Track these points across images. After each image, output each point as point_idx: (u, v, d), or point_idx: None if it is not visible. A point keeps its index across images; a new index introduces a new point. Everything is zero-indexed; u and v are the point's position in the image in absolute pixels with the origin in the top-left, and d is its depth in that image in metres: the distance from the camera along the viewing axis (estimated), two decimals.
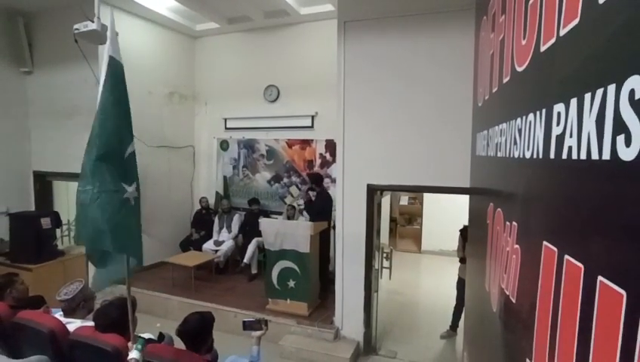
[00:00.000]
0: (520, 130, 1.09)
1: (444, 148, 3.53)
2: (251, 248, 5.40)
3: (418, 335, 4.49)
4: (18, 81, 5.84)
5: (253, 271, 5.45)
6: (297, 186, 5.84)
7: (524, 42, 1.06)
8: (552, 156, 0.83)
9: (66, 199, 6.42)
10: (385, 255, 4.27)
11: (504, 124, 1.32)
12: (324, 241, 4.68)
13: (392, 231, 8.15)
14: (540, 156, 0.91)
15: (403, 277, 6.07)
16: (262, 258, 5.32)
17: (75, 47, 4.23)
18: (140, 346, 1.95)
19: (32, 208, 5.98)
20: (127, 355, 1.94)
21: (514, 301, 1.10)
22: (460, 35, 3.31)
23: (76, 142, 5.28)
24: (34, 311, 2.63)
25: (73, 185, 5.92)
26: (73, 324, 2.53)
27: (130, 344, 2.05)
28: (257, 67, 6.06)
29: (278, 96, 5.93)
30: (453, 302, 4.30)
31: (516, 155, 1.13)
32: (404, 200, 8.40)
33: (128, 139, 1.97)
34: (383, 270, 4.26)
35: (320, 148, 5.64)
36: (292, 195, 5.87)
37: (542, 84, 0.94)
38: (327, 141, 5.53)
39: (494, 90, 1.56)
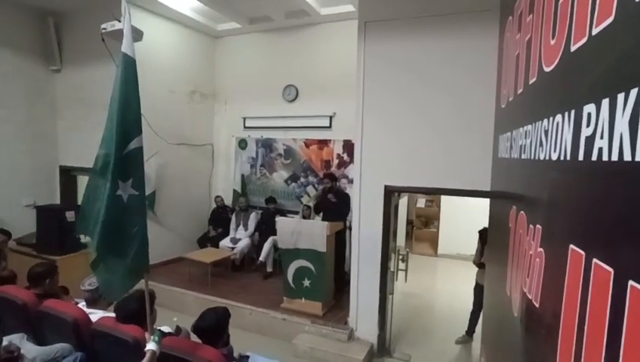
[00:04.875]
0: (546, 132, 1.07)
1: (463, 150, 3.49)
2: (267, 246, 5.44)
3: (433, 339, 4.44)
4: (47, 78, 6.05)
5: (269, 269, 5.49)
6: (314, 186, 5.86)
7: (553, 42, 1.04)
8: (580, 158, 0.81)
9: None
10: (401, 257, 4.23)
11: (529, 126, 1.30)
12: (339, 242, 4.68)
13: (409, 234, 8.08)
14: (568, 158, 0.89)
15: (419, 280, 6.01)
16: (277, 256, 5.36)
17: (101, 46, 4.36)
18: (157, 338, 1.99)
19: (58, 201, 6.18)
20: (146, 346, 1.98)
21: (537, 305, 1.07)
22: (481, 37, 3.26)
23: (99, 137, 5.44)
24: (59, 300, 2.72)
25: None
26: (95, 315, 2.61)
27: (148, 335, 2.10)
28: (277, 67, 6.11)
29: (296, 96, 5.96)
30: (470, 307, 4.23)
31: (542, 157, 1.11)
32: (421, 202, 8.32)
33: (134, 134, 1.94)
34: (399, 272, 4.22)
35: (337, 149, 5.64)
36: (309, 195, 5.88)
37: (571, 85, 0.92)
38: (344, 141, 5.53)
39: (519, 92, 1.53)
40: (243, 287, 5.07)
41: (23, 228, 5.52)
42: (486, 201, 3.08)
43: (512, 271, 1.53)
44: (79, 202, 6.08)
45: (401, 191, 4.01)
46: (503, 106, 2.15)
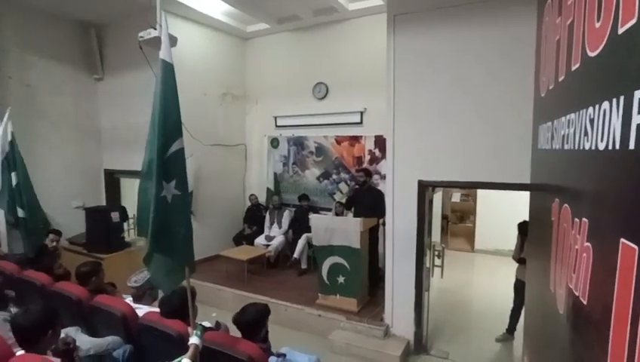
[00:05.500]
0: (592, 120, 1.02)
1: (500, 142, 3.36)
2: (301, 243, 5.50)
3: (471, 336, 4.33)
4: (91, 87, 6.42)
5: (303, 266, 5.55)
6: (346, 183, 5.86)
7: (598, 25, 0.99)
8: (631, 146, 0.77)
9: (131, 195, 6.95)
10: (436, 253, 4.16)
11: (572, 115, 1.24)
12: (373, 238, 4.65)
13: (444, 229, 7.89)
14: (617, 147, 0.84)
15: (455, 276, 5.87)
16: (311, 253, 5.41)
17: (139, 54, 4.57)
18: (199, 332, 2.07)
19: (103, 203, 6.55)
20: (189, 340, 2.07)
21: (585, 302, 1.03)
22: (517, 23, 3.13)
23: (140, 141, 5.70)
24: (109, 296, 2.89)
25: (137, 182, 6.41)
26: (141, 310, 2.74)
27: (190, 330, 2.18)
28: (306, 65, 6.14)
29: (326, 93, 5.97)
30: (510, 304, 4.09)
31: (587, 147, 1.06)
32: (456, 197, 8.12)
33: (174, 137, 1.99)
34: (435, 268, 4.15)
35: (369, 145, 5.60)
36: (341, 192, 5.89)
37: (619, 69, 0.87)
38: (376, 137, 5.48)
39: (561, 79, 1.46)
40: (278, 284, 5.16)
41: (74, 229, 5.90)
42: (525, 194, 2.96)
43: (555, 266, 1.46)
44: (123, 203, 6.48)
45: (435, 185, 3.93)
46: (542, 95, 2.05)
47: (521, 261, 3.90)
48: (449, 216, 8.05)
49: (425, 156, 3.74)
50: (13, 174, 3.91)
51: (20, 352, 1.90)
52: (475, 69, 3.44)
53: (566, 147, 1.33)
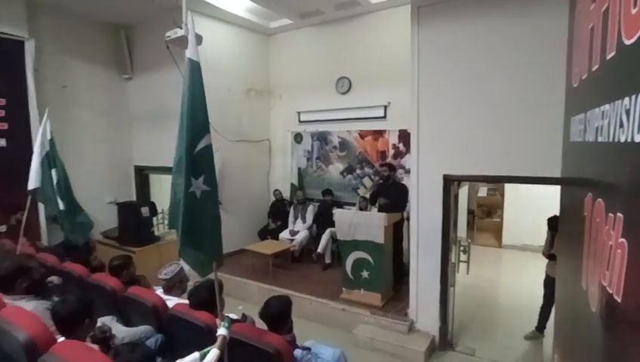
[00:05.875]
0: (628, 111, 0.97)
1: (529, 135, 3.26)
2: (325, 238, 5.53)
3: (498, 333, 4.25)
4: (121, 86, 6.65)
5: (327, 260, 5.58)
6: (370, 177, 5.83)
7: (634, 11, 0.94)
8: None
9: (160, 190, 7.18)
10: (462, 248, 4.09)
11: (607, 106, 1.18)
12: (397, 233, 4.62)
13: (470, 224, 7.73)
14: None
15: (482, 272, 5.76)
16: (335, 248, 5.43)
17: (166, 53, 4.69)
18: (227, 324, 2.13)
19: (134, 198, 6.79)
20: (217, 331, 2.13)
21: (619, 300, 0.99)
22: (546, 12, 3.02)
23: (167, 138, 5.87)
24: (141, 287, 3.01)
25: (166, 178, 6.61)
26: (171, 301, 2.84)
27: (218, 321, 2.25)
28: (329, 60, 6.12)
29: (350, 88, 5.94)
30: (539, 302, 3.98)
31: (622, 139, 1.01)
32: (482, 191, 7.93)
33: (202, 133, 2.03)
34: (460, 264, 4.08)
35: (393, 139, 5.55)
36: (365, 186, 5.86)
37: None
38: (400, 131, 5.42)
39: (594, 68, 1.40)
40: (303, 278, 5.22)
41: (107, 223, 6.17)
42: (554, 189, 2.87)
43: (588, 263, 1.42)
44: (152, 198, 6.70)
45: (460, 180, 3.86)
46: (574, 85, 1.97)
47: (551, 257, 3.78)
48: (475, 211, 7.88)
49: (450, 150, 3.67)
50: (53, 171, 4.11)
51: (60, 339, 2.01)
52: (502, 60, 3.35)
53: (600, 139, 1.28)
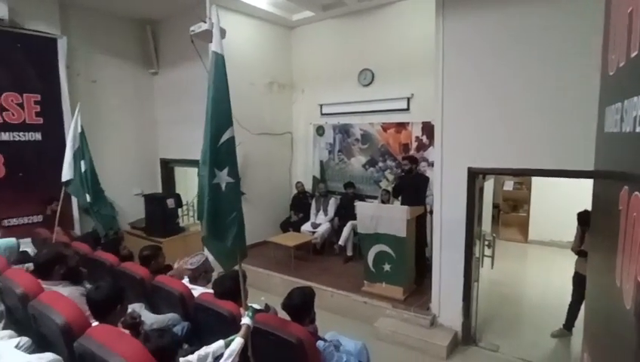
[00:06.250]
0: None
1: (559, 126, 3.14)
2: (346, 231, 5.53)
3: (524, 330, 4.16)
4: (147, 81, 6.82)
5: (349, 253, 5.59)
6: (392, 170, 5.77)
7: None
8: None
9: (184, 183, 7.35)
10: (487, 243, 4.01)
11: None
12: (420, 226, 4.57)
13: (495, 219, 7.57)
14: None
15: (507, 267, 5.63)
16: (357, 241, 5.43)
17: (191, 48, 4.77)
18: (250, 313, 2.17)
19: (159, 190, 6.99)
20: (241, 320, 2.18)
21: None
22: None
23: (190, 132, 6.00)
24: (168, 276, 3.11)
25: (191, 171, 6.77)
26: (196, 290, 2.92)
27: (242, 311, 2.29)
28: (351, 52, 6.07)
29: (372, 80, 5.88)
30: (567, 299, 3.87)
31: None
32: (508, 185, 7.72)
33: (226, 126, 2.06)
34: (484, 259, 4.00)
35: (416, 131, 5.46)
36: (387, 179, 5.82)
37: None
38: (423, 123, 5.33)
39: (633, 55, 1.33)
40: (324, 270, 5.24)
41: (134, 214, 6.38)
42: (584, 182, 2.76)
43: (623, 259, 1.36)
44: (177, 190, 6.87)
45: (486, 173, 3.77)
46: (611, 73, 1.88)
47: (580, 253, 3.66)
48: (500, 205, 7.69)
49: (475, 142, 3.59)
50: (82, 162, 4.28)
51: (94, 323, 2.11)
52: (531, 48, 3.23)
53: (638, 130, 1.22)
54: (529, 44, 3.24)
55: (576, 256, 3.77)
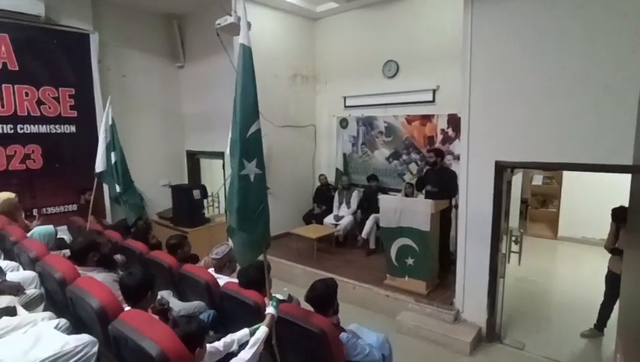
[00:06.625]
0: None
1: (594, 119, 3.00)
2: (369, 224, 5.52)
3: (551, 329, 4.05)
4: (174, 75, 6.98)
5: (371, 246, 5.58)
6: (417, 163, 5.69)
7: None
8: None
9: (210, 174, 7.50)
10: (514, 239, 3.91)
11: None
12: (445, 220, 4.51)
13: (523, 214, 7.36)
14: None
15: (534, 264, 5.49)
16: (379, 234, 5.40)
17: (217, 42, 4.83)
18: (274, 303, 2.21)
19: (186, 182, 7.16)
20: (265, 310, 2.22)
21: None
22: None
23: (216, 124, 6.09)
24: (194, 265, 3.20)
25: (215, 162, 6.90)
26: (222, 280, 2.99)
27: (267, 300, 2.34)
28: (376, 43, 5.99)
29: (397, 72, 5.78)
30: (598, 298, 3.73)
31: None
32: (537, 179, 7.49)
33: (253, 118, 2.07)
34: (511, 255, 3.91)
35: (442, 124, 5.36)
36: (411, 173, 5.75)
37: None
38: (449, 116, 5.22)
39: None
40: (347, 262, 5.26)
41: (162, 205, 6.58)
42: (619, 177, 2.64)
43: None
44: (202, 182, 7.02)
45: (514, 167, 3.66)
46: None
47: (614, 251, 3.52)
48: (529, 200, 7.47)
49: (504, 135, 3.48)
50: (112, 154, 4.44)
51: (127, 308, 2.20)
52: (564, 34, 3.08)
53: None
54: (562, 33, 3.10)
55: (609, 254, 3.63)
